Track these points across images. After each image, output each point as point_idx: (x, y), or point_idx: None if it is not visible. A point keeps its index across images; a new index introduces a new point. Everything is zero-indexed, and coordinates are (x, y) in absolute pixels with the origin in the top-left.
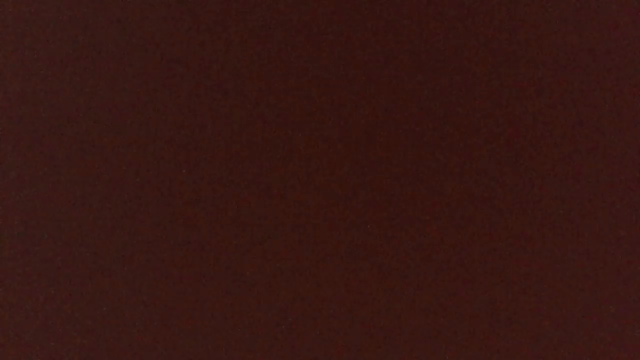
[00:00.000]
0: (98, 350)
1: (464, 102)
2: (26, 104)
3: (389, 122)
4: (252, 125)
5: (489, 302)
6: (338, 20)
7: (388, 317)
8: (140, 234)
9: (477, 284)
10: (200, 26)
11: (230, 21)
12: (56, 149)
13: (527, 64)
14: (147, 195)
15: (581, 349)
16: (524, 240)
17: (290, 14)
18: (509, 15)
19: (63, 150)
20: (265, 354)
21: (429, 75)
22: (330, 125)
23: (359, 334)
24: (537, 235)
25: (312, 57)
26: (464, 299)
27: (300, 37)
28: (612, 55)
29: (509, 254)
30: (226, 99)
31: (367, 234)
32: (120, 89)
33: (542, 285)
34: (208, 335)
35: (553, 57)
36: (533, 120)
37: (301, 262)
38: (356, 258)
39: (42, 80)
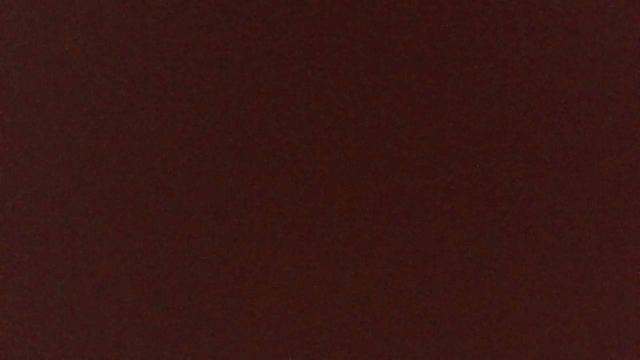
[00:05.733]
0: (98, 350)
1: (464, 103)
2: (26, 104)
3: (388, 122)
4: (252, 125)
5: (489, 302)
6: (338, 20)
7: (388, 318)
8: (140, 234)
9: (477, 284)
10: (200, 26)
11: (230, 21)
12: (56, 149)
13: (526, 64)
14: (147, 195)
15: (581, 349)
16: (523, 240)
17: (290, 13)
18: (509, 16)
19: (63, 150)
20: (265, 354)
21: (429, 76)
22: (330, 126)
23: (359, 334)
24: (537, 236)
25: (312, 57)
26: (464, 299)
27: (300, 36)
28: (612, 55)
29: (509, 254)
30: (226, 99)
31: (367, 234)
32: (120, 89)
33: (542, 285)
34: (208, 336)
35: (553, 57)
36: (533, 121)
37: (301, 262)
38: (356, 259)
39: (42, 80)
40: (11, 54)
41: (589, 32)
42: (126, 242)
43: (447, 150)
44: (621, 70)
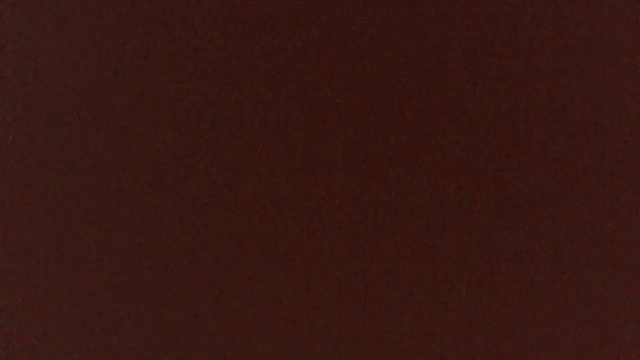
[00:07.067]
0: (98, 351)
1: (463, 103)
2: (26, 104)
3: (388, 122)
4: (252, 126)
5: (490, 302)
6: (338, 21)
7: (388, 318)
8: (141, 234)
9: (477, 284)
10: (200, 26)
11: (230, 21)
12: (56, 150)
13: (526, 63)
14: (147, 195)
15: (581, 349)
16: (523, 240)
17: (290, 13)
18: (509, 15)
19: (63, 150)
20: (265, 354)
21: (428, 76)
22: (330, 126)
23: (359, 334)
24: (537, 236)
25: (312, 58)
26: (464, 300)
27: (300, 37)
28: (612, 55)
29: (509, 254)
30: (226, 100)
31: (367, 234)
32: (120, 89)
33: (542, 285)
34: (208, 335)
35: (552, 57)
36: (533, 121)
37: (302, 262)
38: (355, 259)
39: (42, 80)
40: (11, 54)
41: (588, 32)
42: (126, 242)
43: (446, 150)
44: (621, 71)
